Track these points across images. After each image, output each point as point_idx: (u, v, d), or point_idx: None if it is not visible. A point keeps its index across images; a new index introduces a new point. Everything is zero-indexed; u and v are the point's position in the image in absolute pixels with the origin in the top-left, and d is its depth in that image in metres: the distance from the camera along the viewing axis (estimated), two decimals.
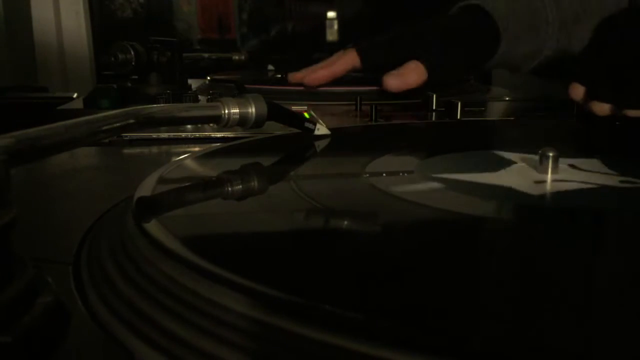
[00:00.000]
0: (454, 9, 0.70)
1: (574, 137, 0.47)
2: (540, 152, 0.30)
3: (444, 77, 0.68)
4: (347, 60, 0.69)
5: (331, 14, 1.32)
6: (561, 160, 0.30)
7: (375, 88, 0.69)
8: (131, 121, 0.28)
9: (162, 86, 0.62)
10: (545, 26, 0.66)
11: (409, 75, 0.64)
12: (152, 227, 0.21)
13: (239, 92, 0.63)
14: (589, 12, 0.63)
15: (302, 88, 0.71)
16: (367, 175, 0.30)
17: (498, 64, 0.69)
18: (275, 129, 0.42)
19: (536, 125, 0.53)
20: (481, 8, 0.66)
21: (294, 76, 0.72)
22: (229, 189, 0.28)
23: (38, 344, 0.17)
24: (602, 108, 0.47)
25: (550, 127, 0.51)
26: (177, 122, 0.38)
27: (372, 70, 0.69)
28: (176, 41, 0.65)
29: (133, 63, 0.61)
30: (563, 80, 0.52)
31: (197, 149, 0.42)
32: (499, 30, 0.65)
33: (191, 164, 0.34)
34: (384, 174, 0.31)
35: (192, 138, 0.48)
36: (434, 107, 0.60)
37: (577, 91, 0.49)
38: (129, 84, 0.63)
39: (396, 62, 0.65)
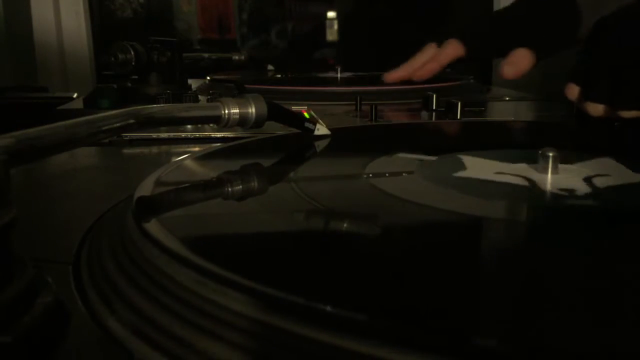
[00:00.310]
0: None
1: (574, 137, 0.47)
2: (540, 152, 0.30)
3: (547, 56, 0.70)
4: (452, 51, 0.70)
5: (331, 14, 1.32)
6: (561, 160, 0.30)
7: (375, 88, 0.69)
8: (131, 121, 0.28)
9: (162, 86, 0.62)
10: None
11: (521, 62, 0.65)
12: (152, 227, 0.21)
13: (239, 92, 0.63)
14: None
15: (302, 88, 0.71)
16: (367, 175, 0.30)
17: (578, 40, 0.70)
18: (275, 129, 0.42)
19: (536, 125, 0.53)
20: None
21: (392, 75, 0.70)
22: (229, 189, 0.28)
23: (38, 344, 0.17)
24: (596, 109, 0.47)
25: (550, 127, 0.51)
26: (177, 122, 0.38)
27: (474, 58, 0.70)
28: (176, 41, 0.65)
29: (133, 63, 0.61)
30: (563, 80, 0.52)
31: (197, 149, 0.42)
32: (579, 6, 0.66)
33: (191, 164, 0.34)
34: (384, 174, 0.31)
35: (192, 138, 0.48)
36: (434, 107, 0.60)
37: (573, 91, 0.49)
38: (129, 84, 0.63)
39: (497, 48, 0.67)
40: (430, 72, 0.70)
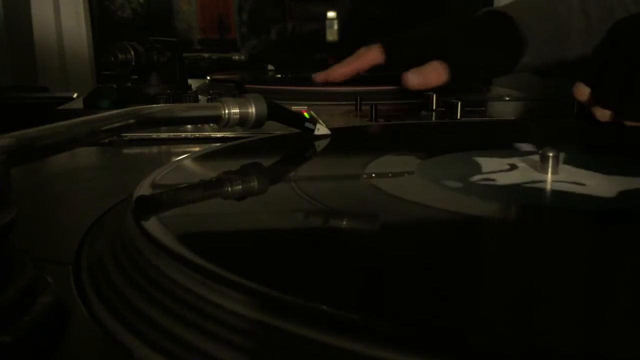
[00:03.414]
0: (479, 12, 0.70)
1: (574, 137, 0.47)
2: (540, 152, 0.30)
3: (464, 79, 0.68)
4: (371, 56, 0.69)
5: (331, 14, 1.32)
6: (561, 160, 0.30)
7: (375, 88, 0.69)
8: (131, 121, 0.28)
9: (162, 86, 0.62)
10: (572, 33, 0.65)
11: (429, 74, 0.64)
12: (152, 226, 0.21)
13: (239, 92, 0.64)
14: (612, 15, 0.62)
15: (302, 88, 0.71)
16: (367, 175, 0.30)
17: (520, 70, 0.69)
18: (275, 129, 0.42)
19: (536, 125, 0.53)
20: (507, 15, 0.66)
21: (318, 76, 0.72)
22: (229, 188, 0.28)
23: (38, 344, 0.17)
24: (603, 113, 0.47)
25: (550, 127, 0.51)
26: (177, 122, 0.38)
27: (394, 67, 0.69)
28: (176, 41, 0.65)
29: (133, 63, 0.61)
30: (564, 79, 0.52)
31: (197, 149, 0.42)
32: (524, 38, 0.65)
33: (191, 164, 0.34)
34: (384, 174, 0.31)
35: (192, 138, 0.48)
36: (434, 107, 0.60)
37: (582, 92, 0.48)
38: (129, 84, 0.63)
39: (419, 60, 0.65)
40: (343, 74, 0.69)
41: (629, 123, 0.46)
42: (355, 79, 0.74)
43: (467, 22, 0.70)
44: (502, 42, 0.66)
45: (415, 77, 0.64)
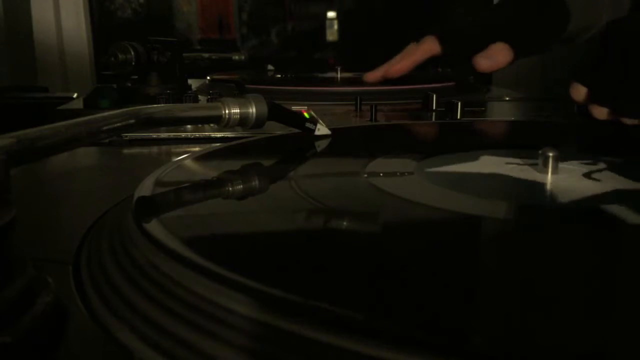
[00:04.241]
0: None
1: (574, 137, 0.47)
2: (540, 152, 0.30)
3: (527, 55, 0.69)
4: (427, 48, 0.69)
5: (331, 14, 1.32)
6: (561, 160, 0.30)
7: (375, 88, 0.69)
8: (131, 121, 0.28)
9: (162, 86, 0.62)
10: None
11: (497, 56, 0.64)
12: (152, 226, 0.21)
13: (239, 92, 0.64)
14: None
15: (302, 88, 0.71)
16: (367, 175, 0.30)
17: (567, 38, 0.69)
18: (275, 129, 0.42)
19: (536, 125, 0.53)
20: None
21: (373, 74, 0.72)
22: (229, 188, 0.28)
23: (38, 344, 0.16)
24: (601, 112, 0.47)
25: (550, 127, 0.51)
26: (178, 122, 0.38)
27: (451, 56, 0.70)
28: (176, 41, 0.65)
29: (133, 63, 0.61)
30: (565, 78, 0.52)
31: (197, 149, 0.42)
32: (567, 5, 0.65)
33: (191, 164, 0.34)
34: (384, 174, 0.31)
35: (192, 138, 0.48)
36: (434, 107, 0.60)
37: (578, 92, 0.49)
38: (129, 84, 0.63)
39: (476, 47, 0.66)
40: (402, 68, 0.70)
41: (627, 121, 0.46)
42: (356, 79, 0.74)
43: (513, 1, 0.70)
44: (550, 12, 0.66)
45: (485, 60, 0.64)
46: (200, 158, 0.35)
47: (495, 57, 0.65)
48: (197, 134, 0.48)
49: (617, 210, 0.25)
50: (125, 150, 0.46)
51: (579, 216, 0.25)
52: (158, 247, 0.20)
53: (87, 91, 0.62)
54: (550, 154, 0.29)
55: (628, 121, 0.46)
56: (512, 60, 0.65)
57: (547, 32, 0.68)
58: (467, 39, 0.69)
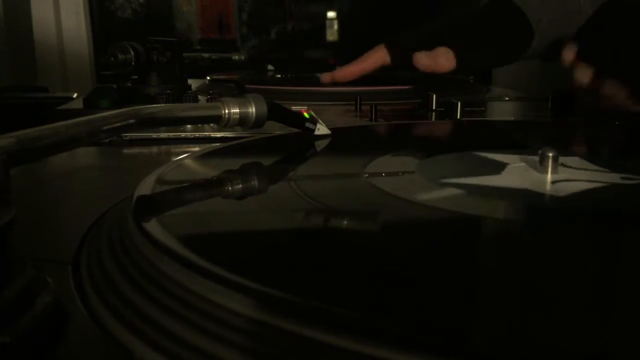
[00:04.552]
0: (484, 1, 0.70)
1: (574, 137, 0.47)
2: (540, 152, 0.30)
3: (473, 65, 0.69)
4: (377, 56, 0.69)
5: (331, 14, 1.32)
6: (561, 160, 0.30)
7: (375, 88, 0.69)
8: (131, 121, 0.28)
9: (162, 86, 0.62)
10: (578, 16, 0.65)
11: (440, 58, 0.64)
12: (152, 226, 0.21)
13: (239, 92, 0.64)
14: None
15: (302, 88, 0.71)
16: (367, 175, 0.30)
17: (530, 55, 0.69)
18: (275, 129, 0.42)
19: (536, 125, 0.53)
20: (512, 2, 0.66)
21: (325, 76, 0.73)
22: (229, 188, 0.28)
23: (37, 344, 0.16)
24: (584, 73, 0.47)
25: (550, 127, 0.51)
26: (177, 122, 0.38)
27: (401, 65, 0.70)
28: (176, 41, 0.65)
29: (133, 63, 0.61)
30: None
31: (197, 149, 0.42)
32: (531, 25, 0.65)
33: (191, 163, 0.34)
34: (384, 174, 0.31)
35: (192, 138, 0.48)
36: (434, 107, 0.60)
37: (569, 52, 0.49)
38: (129, 84, 0.63)
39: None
40: (347, 75, 0.70)
41: (606, 90, 0.46)
42: (357, 80, 0.74)
43: (471, 12, 0.70)
44: (509, 29, 0.66)
45: (425, 57, 0.64)
46: (200, 158, 0.35)
47: (436, 57, 0.64)
48: (196, 134, 0.48)
49: (617, 210, 0.25)
50: (125, 150, 0.46)
51: (579, 216, 0.25)
52: (158, 246, 0.20)
53: (87, 91, 0.62)
54: (550, 154, 0.29)
55: (607, 90, 0.46)
56: (454, 67, 0.65)
57: (506, 49, 0.68)
58: (414, 48, 0.68)
